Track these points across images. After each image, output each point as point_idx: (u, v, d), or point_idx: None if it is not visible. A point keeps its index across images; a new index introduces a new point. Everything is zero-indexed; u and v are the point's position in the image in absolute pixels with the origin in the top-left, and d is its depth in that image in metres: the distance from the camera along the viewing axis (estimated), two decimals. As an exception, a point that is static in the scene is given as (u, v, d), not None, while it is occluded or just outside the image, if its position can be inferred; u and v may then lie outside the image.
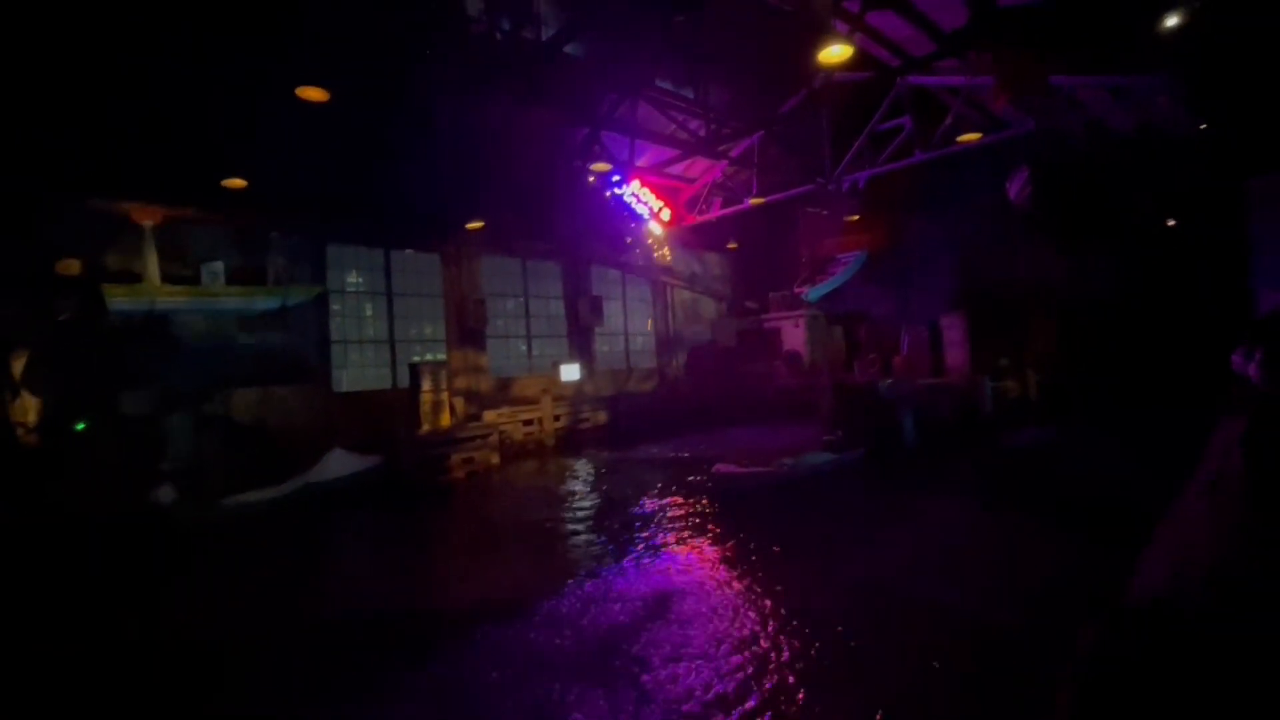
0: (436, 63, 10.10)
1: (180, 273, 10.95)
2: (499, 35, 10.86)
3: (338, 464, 10.81)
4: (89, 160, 9.69)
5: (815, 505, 8.71)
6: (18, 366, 9.36)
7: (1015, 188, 15.89)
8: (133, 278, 10.39)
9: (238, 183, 10.69)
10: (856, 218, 19.60)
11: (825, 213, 20.01)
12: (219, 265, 11.22)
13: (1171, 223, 16.11)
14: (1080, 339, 16.42)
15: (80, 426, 9.52)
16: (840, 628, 4.76)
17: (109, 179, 10.09)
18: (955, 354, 17.27)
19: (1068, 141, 13.01)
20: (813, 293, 20.79)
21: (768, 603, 5.34)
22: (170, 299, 10.59)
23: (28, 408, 9.39)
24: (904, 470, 10.80)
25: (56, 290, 9.74)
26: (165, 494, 9.49)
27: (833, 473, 10.31)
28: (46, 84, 8.65)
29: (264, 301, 11.67)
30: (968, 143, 12.96)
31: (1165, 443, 9.74)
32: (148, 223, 10.43)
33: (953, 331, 17.40)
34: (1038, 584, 5.37)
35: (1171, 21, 9.93)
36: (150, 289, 10.36)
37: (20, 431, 9.26)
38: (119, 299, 10.07)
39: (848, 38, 8.63)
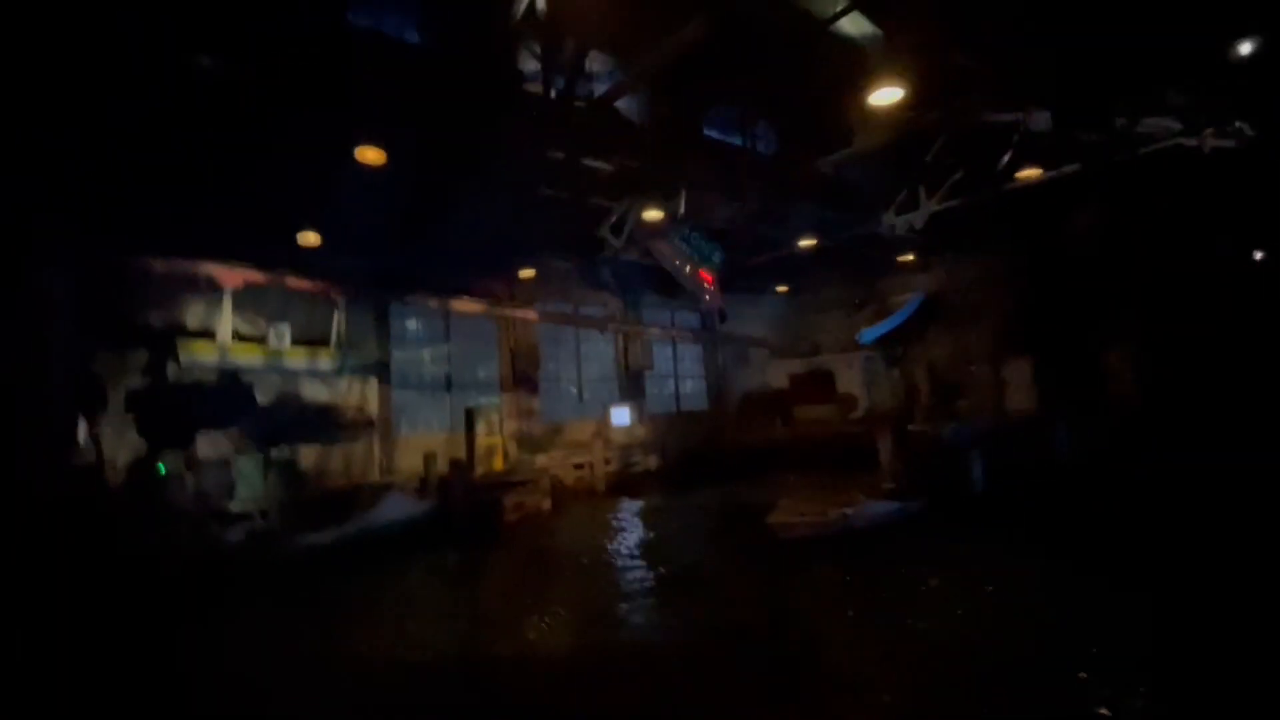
0: (495, 124, 10.63)
1: (251, 332, 11.69)
2: (553, 93, 11.38)
3: (394, 507, 11.04)
4: (178, 227, 10.54)
5: (874, 558, 8.26)
6: (110, 413, 10.08)
7: (1080, 221, 15.29)
8: (208, 335, 11.16)
9: (313, 238, 11.38)
10: (912, 258, 19.15)
11: (879, 254, 19.63)
12: (285, 327, 11.94)
13: (1259, 255, 15.05)
14: (1162, 378, 15.31)
15: (162, 469, 10.09)
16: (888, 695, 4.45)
17: (196, 244, 10.93)
18: (1023, 396, 16.37)
19: (1139, 172, 12.47)
20: (868, 334, 20.26)
21: (823, 663, 5.07)
22: (240, 356, 11.32)
23: (118, 450, 10.05)
24: (970, 520, 10.16)
25: (142, 343, 10.56)
26: (235, 534, 9.89)
27: (894, 523, 9.79)
28: (144, 160, 9.49)
29: (325, 363, 12.36)
30: (1027, 179, 12.58)
31: (1246, 491, 9.01)
32: (228, 285, 11.20)
33: (1019, 373, 16.54)
34: (1092, 644, 5.05)
35: (1245, 49, 9.53)
36: (222, 346, 11.09)
37: (111, 472, 9.89)
38: (194, 354, 10.84)
39: (900, 80, 8.58)
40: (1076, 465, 12.98)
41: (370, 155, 9.32)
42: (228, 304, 11.22)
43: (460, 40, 10.82)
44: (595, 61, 12.07)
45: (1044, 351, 16.59)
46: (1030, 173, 12.46)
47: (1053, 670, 4.71)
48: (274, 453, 11.39)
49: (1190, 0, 8.75)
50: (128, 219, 9.97)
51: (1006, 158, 12.57)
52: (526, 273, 15.24)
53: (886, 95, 8.39)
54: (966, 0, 8.91)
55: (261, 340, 11.76)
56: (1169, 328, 14.92)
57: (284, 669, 5.64)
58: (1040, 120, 10.96)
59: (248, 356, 11.46)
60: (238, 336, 11.43)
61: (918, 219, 14.40)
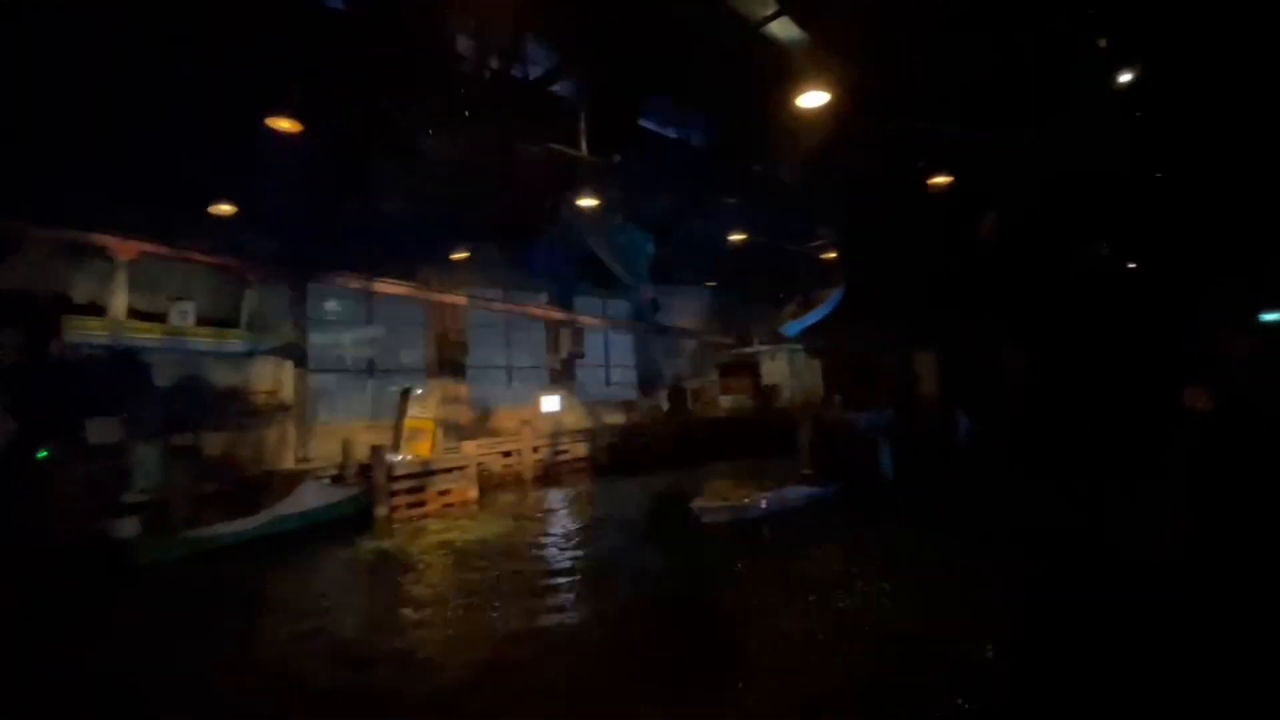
0: (423, 97, 10.28)
1: (150, 309, 10.85)
2: (487, 73, 11.11)
3: (310, 496, 10.58)
4: (65, 191, 9.59)
5: (791, 540, 8.71)
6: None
7: (985, 226, 16.48)
8: (99, 311, 10.26)
9: (226, 209, 10.65)
10: (835, 255, 20.03)
11: (805, 251, 20.41)
12: (189, 305, 11.17)
13: (1132, 265, 16.74)
14: (1049, 375, 16.79)
15: (43, 454, 9.23)
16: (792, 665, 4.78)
17: (86, 212, 9.99)
18: (928, 388, 17.53)
19: (1033, 185, 13.60)
20: (792, 327, 21.07)
21: (732, 641, 5.44)
22: (136, 334, 10.49)
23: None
24: (879, 504, 10.81)
25: (19, 318, 9.57)
26: (128, 526, 9.20)
27: (810, 507, 10.33)
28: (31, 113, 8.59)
29: (234, 345, 11.64)
30: (938, 186, 13.43)
31: (1108, 479, 10.06)
32: (122, 257, 10.32)
33: (925, 366, 17.69)
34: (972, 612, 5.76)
35: (1125, 77, 10.57)
36: (115, 323, 10.23)
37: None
38: (83, 330, 9.94)
39: (826, 85, 8.92)
40: (973, 452, 14.09)
41: (283, 124, 8.77)
42: (122, 277, 10.35)
43: (387, 10, 10.36)
44: (534, 45, 11.87)
45: (949, 346, 17.82)
46: (941, 179, 13.31)
47: (939, 641, 5.18)
48: (175, 439, 10.64)
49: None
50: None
51: (921, 162, 13.39)
52: (459, 255, 14.85)
53: (813, 99, 8.72)
54: (889, 11, 9.40)
55: (162, 318, 10.93)
56: (1055, 325, 16.38)
57: (172, 668, 5.37)
58: (951, 131, 11.72)
59: (145, 335, 10.62)
60: (135, 313, 10.57)
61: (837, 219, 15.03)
